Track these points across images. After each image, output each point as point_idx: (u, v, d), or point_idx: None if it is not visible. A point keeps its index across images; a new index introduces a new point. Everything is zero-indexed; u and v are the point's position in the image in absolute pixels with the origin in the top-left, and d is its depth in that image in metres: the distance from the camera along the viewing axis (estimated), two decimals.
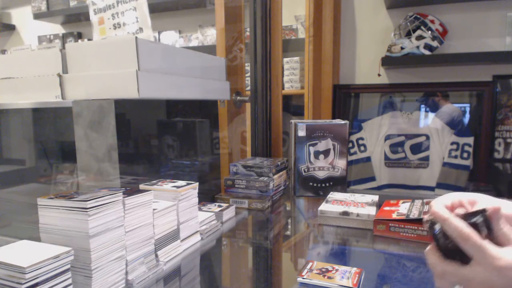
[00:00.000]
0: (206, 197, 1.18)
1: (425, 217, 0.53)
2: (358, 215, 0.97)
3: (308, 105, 1.90)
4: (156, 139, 1.01)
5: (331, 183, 1.30)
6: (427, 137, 1.91)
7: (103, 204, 0.61)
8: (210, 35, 2.52)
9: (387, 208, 0.98)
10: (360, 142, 2.03)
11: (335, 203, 1.06)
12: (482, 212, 0.48)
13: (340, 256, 0.87)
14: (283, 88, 2.01)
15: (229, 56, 1.44)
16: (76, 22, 2.96)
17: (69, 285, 0.56)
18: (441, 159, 1.88)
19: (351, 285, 0.65)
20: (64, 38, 2.98)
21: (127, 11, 0.97)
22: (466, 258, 0.46)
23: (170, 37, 2.63)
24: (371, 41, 2.00)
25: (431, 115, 1.93)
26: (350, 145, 2.03)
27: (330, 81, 1.94)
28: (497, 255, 0.44)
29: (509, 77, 1.79)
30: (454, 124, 1.87)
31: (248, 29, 1.51)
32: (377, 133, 2.00)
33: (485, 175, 1.82)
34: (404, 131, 1.95)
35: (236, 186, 1.23)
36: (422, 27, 1.76)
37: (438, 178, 1.88)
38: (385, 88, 2.00)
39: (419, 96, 1.95)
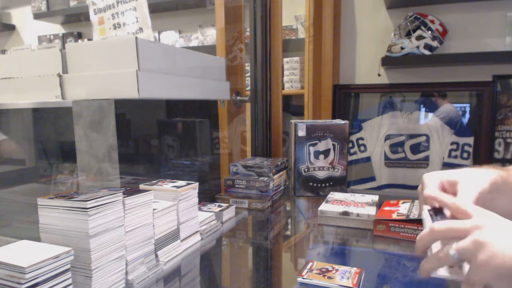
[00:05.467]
0: (206, 197, 1.18)
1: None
2: (358, 215, 0.97)
3: (308, 105, 1.90)
4: (156, 139, 1.01)
5: (331, 183, 1.30)
6: (427, 137, 1.91)
7: (103, 204, 0.61)
8: (210, 35, 2.52)
9: (387, 208, 0.98)
10: (360, 142, 2.03)
11: (335, 203, 1.06)
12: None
13: (340, 256, 0.87)
14: (283, 88, 2.01)
15: (229, 56, 1.44)
16: (76, 22, 2.96)
17: (69, 285, 0.56)
18: (441, 159, 1.88)
19: (351, 285, 0.65)
20: (64, 38, 2.98)
21: (127, 11, 0.97)
22: None
23: (170, 37, 2.63)
24: (371, 41, 2.00)
25: (431, 115, 1.93)
26: (350, 145, 2.03)
27: (330, 81, 1.94)
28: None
29: (509, 77, 1.79)
30: (452, 124, 1.87)
31: (248, 29, 1.51)
32: (377, 133, 2.00)
33: None
34: (404, 131, 1.95)
35: (236, 186, 1.23)
36: (422, 27, 1.76)
37: None
38: (385, 88, 2.00)
39: (419, 97, 1.95)
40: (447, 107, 1.90)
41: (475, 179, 0.57)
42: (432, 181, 0.60)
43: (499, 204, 0.58)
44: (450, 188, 0.59)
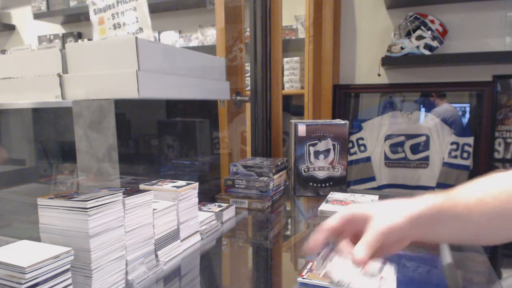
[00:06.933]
0: (206, 197, 1.18)
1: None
2: None
3: (308, 105, 1.90)
4: (156, 139, 1.01)
5: (331, 183, 1.30)
6: (427, 137, 1.91)
7: (103, 204, 0.61)
8: (210, 35, 2.52)
9: None
10: (360, 142, 2.03)
11: (335, 203, 1.06)
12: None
13: None
14: (283, 88, 2.01)
15: (229, 56, 1.44)
16: (76, 22, 2.96)
17: (69, 285, 0.56)
18: (441, 159, 1.88)
19: None
20: (64, 38, 2.98)
21: (127, 11, 0.97)
22: None
23: (170, 37, 2.63)
24: (371, 41, 2.00)
25: (430, 115, 1.93)
26: (350, 145, 2.03)
27: (330, 81, 1.93)
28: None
29: (509, 77, 1.79)
30: (449, 123, 1.87)
31: (248, 29, 1.51)
32: (377, 133, 2.00)
33: (485, 175, 1.82)
34: (404, 131, 1.95)
35: (236, 186, 1.23)
36: (422, 27, 1.76)
37: (438, 178, 1.88)
38: (385, 88, 2.00)
39: (419, 96, 1.96)
40: (444, 107, 1.90)
41: (387, 215, 0.54)
42: (341, 213, 0.58)
43: (445, 231, 0.53)
44: (360, 224, 0.56)
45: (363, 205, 0.58)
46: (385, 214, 0.54)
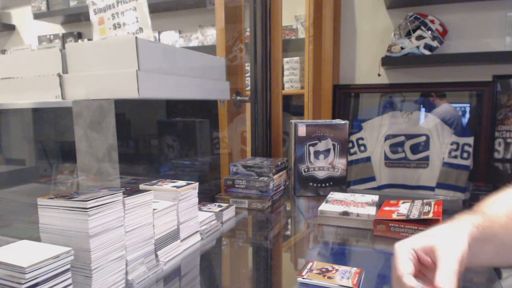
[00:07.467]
0: (206, 197, 1.18)
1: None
2: (358, 215, 0.97)
3: (308, 105, 1.90)
4: (156, 139, 1.01)
5: (331, 183, 1.30)
6: (427, 137, 1.91)
7: (103, 204, 0.61)
8: (210, 35, 2.52)
9: (387, 208, 0.98)
10: (360, 142, 2.03)
11: (335, 203, 1.06)
12: None
13: (340, 256, 0.87)
14: (283, 88, 2.01)
15: (229, 56, 1.44)
16: (76, 22, 2.96)
17: (69, 285, 0.56)
18: (441, 159, 1.87)
19: (351, 285, 0.65)
20: (64, 38, 2.98)
21: (127, 11, 0.97)
22: None
23: (170, 37, 2.63)
24: (371, 41, 2.00)
25: (430, 115, 1.93)
26: (350, 145, 2.03)
27: (330, 81, 1.93)
28: None
29: (509, 77, 1.79)
30: (449, 123, 1.87)
31: (248, 29, 1.51)
32: (377, 133, 2.00)
33: (485, 175, 1.82)
34: (404, 131, 1.95)
35: (236, 186, 1.23)
36: (422, 27, 1.76)
37: (438, 178, 1.88)
38: (385, 88, 2.00)
39: (419, 96, 1.96)
40: (443, 107, 1.90)
41: (453, 241, 0.49)
42: (403, 253, 0.50)
43: (486, 254, 0.52)
44: (426, 257, 0.50)
45: (420, 238, 0.52)
46: (450, 242, 0.49)
